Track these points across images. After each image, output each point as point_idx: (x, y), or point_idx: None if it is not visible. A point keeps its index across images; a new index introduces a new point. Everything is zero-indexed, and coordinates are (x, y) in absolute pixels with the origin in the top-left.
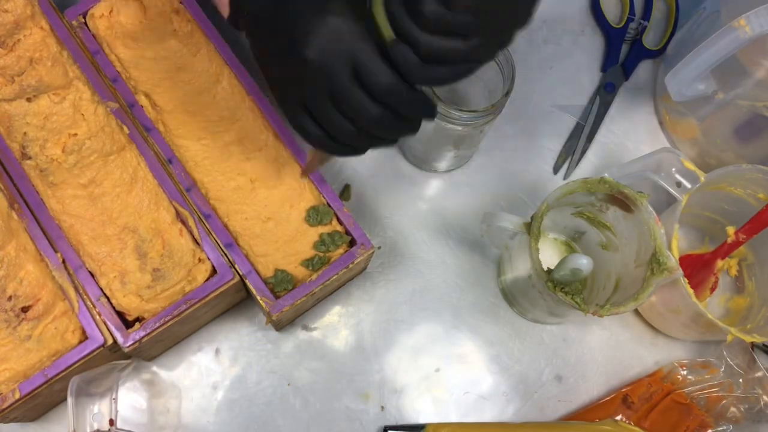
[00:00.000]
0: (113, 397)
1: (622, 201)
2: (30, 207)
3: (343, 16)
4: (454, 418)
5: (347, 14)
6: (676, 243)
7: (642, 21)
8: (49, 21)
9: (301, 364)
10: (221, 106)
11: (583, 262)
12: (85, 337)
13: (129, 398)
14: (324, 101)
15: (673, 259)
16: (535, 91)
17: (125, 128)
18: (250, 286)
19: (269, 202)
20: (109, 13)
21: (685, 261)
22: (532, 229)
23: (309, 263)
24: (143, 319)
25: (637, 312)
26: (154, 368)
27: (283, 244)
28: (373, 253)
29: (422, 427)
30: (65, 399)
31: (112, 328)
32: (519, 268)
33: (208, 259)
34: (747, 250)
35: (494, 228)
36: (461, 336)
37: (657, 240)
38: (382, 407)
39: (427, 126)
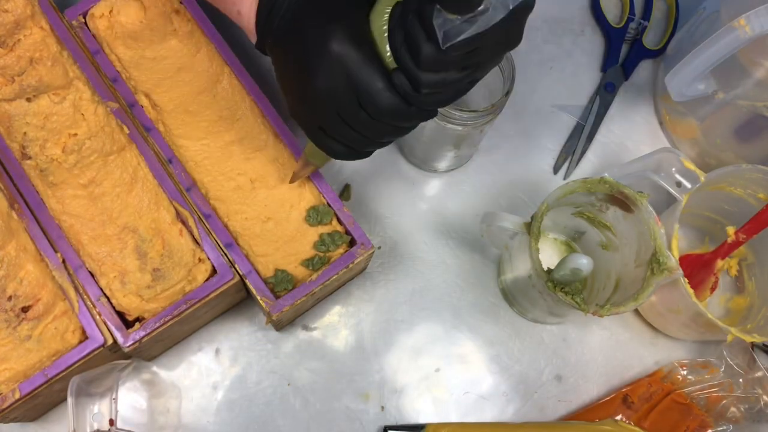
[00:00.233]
0: (113, 397)
1: (622, 201)
2: (30, 207)
3: (346, 44)
4: (454, 418)
5: (350, 41)
6: (676, 243)
7: (642, 21)
8: (49, 21)
9: (301, 364)
10: (221, 106)
11: (583, 262)
12: (85, 337)
13: (129, 398)
14: (336, 122)
15: (673, 259)
16: (535, 91)
17: (125, 128)
18: (250, 286)
19: (269, 202)
20: (109, 13)
21: (685, 261)
22: (532, 229)
23: (309, 263)
24: (143, 319)
25: (637, 312)
26: (154, 368)
27: (283, 244)
28: (373, 253)
29: (422, 427)
30: (65, 399)
31: (112, 328)
32: (519, 268)
33: (208, 259)
34: (747, 250)
35: (494, 228)
36: (461, 336)
37: (657, 240)
38: (382, 407)
39: (427, 126)
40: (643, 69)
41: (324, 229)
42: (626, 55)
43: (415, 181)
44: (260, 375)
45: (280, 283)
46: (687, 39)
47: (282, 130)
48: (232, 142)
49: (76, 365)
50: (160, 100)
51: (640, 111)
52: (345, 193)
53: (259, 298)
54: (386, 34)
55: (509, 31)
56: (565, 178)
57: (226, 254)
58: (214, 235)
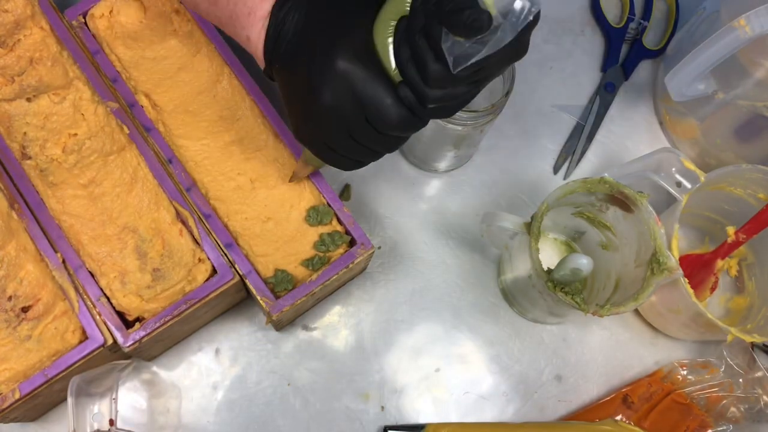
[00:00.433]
0: (113, 397)
1: (622, 201)
2: (30, 207)
3: (351, 61)
4: (454, 418)
5: (356, 57)
6: (676, 243)
7: (642, 21)
8: (49, 21)
9: (301, 364)
10: (221, 106)
11: (583, 262)
12: (85, 337)
13: (129, 398)
14: (343, 139)
15: (673, 259)
16: (535, 91)
17: (125, 128)
18: (250, 286)
19: (269, 202)
20: (109, 13)
21: (685, 261)
22: (532, 229)
23: (309, 263)
24: (143, 319)
25: (637, 312)
26: (154, 368)
27: (283, 244)
28: (373, 253)
29: (422, 427)
30: (65, 399)
31: (112, 328)
32: (519, 268)
33: (208, 259)
34: (747, 250)
35: (494, 228)
36: (461, 336)
37: (657, 240)
38: (382, 407)
39: (427, 127)
40: (643, 69)
41: (324, 229)
42: (626, 55)
43: (415, 181)
44: (260, 375)
45: (280, 283)
46: (687, 39)
47: (282, 130)
48: (232, 142)
49: (76, 365)
50: (160, 100)
51: (640, 111)
52: (345, 193)
53: (259, 298)
54: (391, 47)
55: (518, 49)
56: (565, 178)
57: (226, 254)
58: (214, 235)
